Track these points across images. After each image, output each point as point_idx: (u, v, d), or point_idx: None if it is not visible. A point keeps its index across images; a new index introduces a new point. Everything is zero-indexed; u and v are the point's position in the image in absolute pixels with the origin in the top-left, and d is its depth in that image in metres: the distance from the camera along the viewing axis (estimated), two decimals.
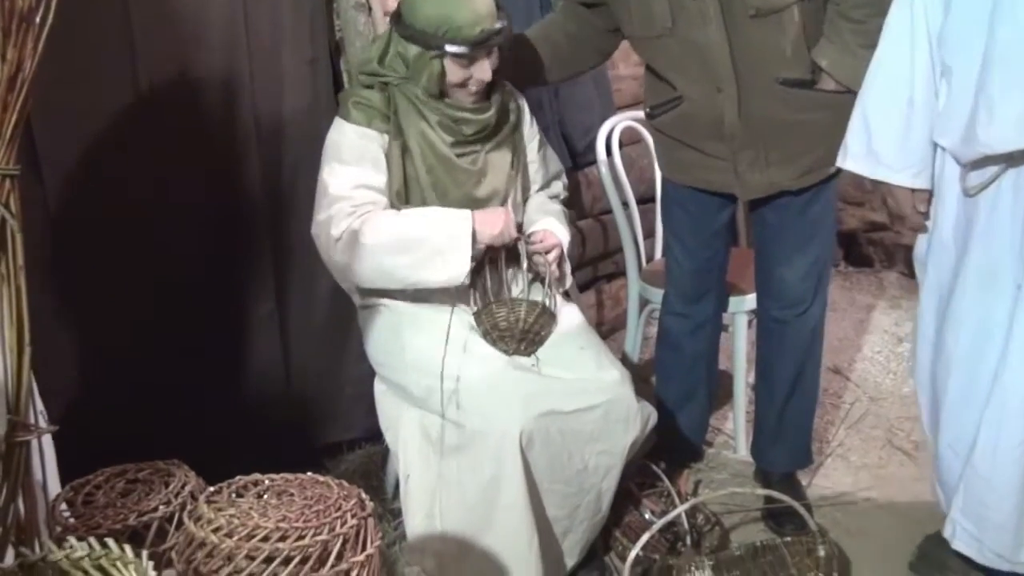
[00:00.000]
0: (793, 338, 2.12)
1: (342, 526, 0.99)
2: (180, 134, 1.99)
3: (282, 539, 0.96)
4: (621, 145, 2.70)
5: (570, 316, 1.93)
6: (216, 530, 0.97)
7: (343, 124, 1.83)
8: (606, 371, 1.81)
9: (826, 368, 2.69)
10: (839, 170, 2.03)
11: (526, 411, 1.64)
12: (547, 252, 1.88)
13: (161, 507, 1.09)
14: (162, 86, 1.95)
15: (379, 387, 1.95)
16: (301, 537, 0.97)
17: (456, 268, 1.76)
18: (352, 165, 1.80)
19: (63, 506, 1.10)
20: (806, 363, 2.16)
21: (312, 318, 2.29)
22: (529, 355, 1.83)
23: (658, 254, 2.76)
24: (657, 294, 2.46)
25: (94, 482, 1.17)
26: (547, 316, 1.85)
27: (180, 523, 1.10)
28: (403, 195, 1.83)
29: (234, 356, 2.20)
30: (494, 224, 1.79)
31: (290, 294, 2.25)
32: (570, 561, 1.83)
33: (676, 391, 2.32)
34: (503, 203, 1.90)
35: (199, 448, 1.65)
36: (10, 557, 0.93)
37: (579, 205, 3.05)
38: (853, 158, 1.79)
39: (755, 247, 2.22)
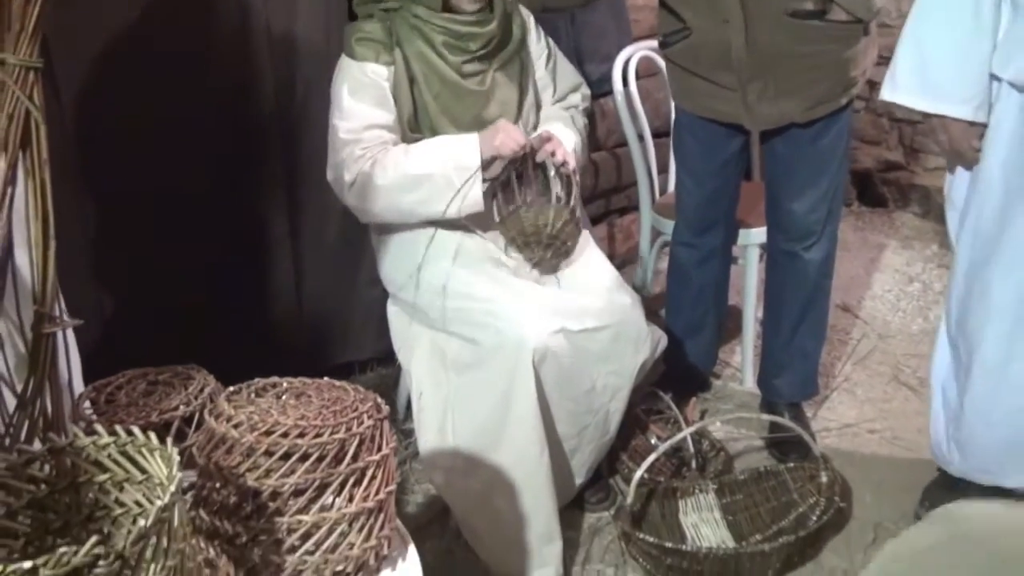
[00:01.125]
0: (802, 271, 2.13)
1: (359, 426, 1.01)
2: (194, 53, 1.98)
3: (300, 436, 0.98)
4: (638, 76, 2.67)
5: (582, 239, 1.93)
6: (236, 426, 0.99)
7: (349, 63, 1.82)
8: (617, 294, 1.82)
9: (835, 306, 2.70)
10: (850, 103, 2.01)
11: (539, 328, 1.66)
12: (548, 144, 1.83)
13: (182, 407, 1.12)
14: (176, 5, 1.94)
15: (392, 308, 1.97)
16: (319, 435, 0.99)
17: (470, 197, 1.76)
18: (360, 106, 1.79)
19: (86, 404, 1.13)
20: (815, 296, 2.17)
21: (324, 240, 2.30)
22: (555, 264, 1.83)
23: (671, 187, 2.76)
24: (669, 225, 2.46)
25: (116, 383, 1.20)
26: (573, 223, 1.83)
27: (200, 423, 1.12)
28: (414, 125, 1.82)
29: (246, 277, 2.22)
30: (493, 137, 1.77)
31: (303, 216, 2.26)
32: (577, 480, 1.87)
33: (684, 321, 2.34)
34: (515, 122, 1.89)
35: (211, 367, 1.68)
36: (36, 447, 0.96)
37: (593, 137, 3.03)
38: (905, 91, 1.69)
39: (765, 179, 2.21)
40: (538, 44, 1.99)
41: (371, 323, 2.32)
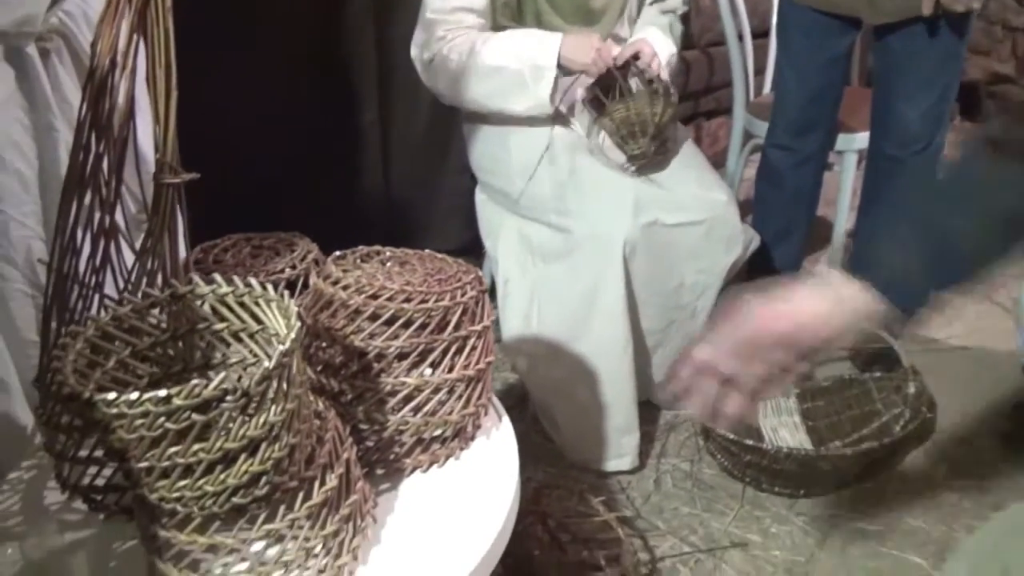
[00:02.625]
0: (905, 176, 2.05)
1: (462, 296, 1.02)
2: None
3: (406, 301, 0.99)
4: None
5: (679, 134, 1.89)
6: (344, 288, 1.00)
7: None
8: (712, 190, 1.79)
9: None
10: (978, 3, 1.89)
11: (632, 219, 1.64)
12: (641, 59, 1.77)
13: (288, 270, 1.14)
14: None
15: (480, 195, 1.96)
16: (424, 301, 1.00)
17: (538, 98, 1.71)
18: None
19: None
20: None
21: (414, 129, 2.29)
22: (656, 160, 1.79)
23: (766, 89, 2.66)
24: (762, 127, 2.38)
25: (222, 245, 1.22)
26: (674, 120, 1.78)
27: (304, 289, 1.14)
28: (513, 7, 1.77)
29: (336, 164, 2.23)
30: (584, 53, 1.71)
31: (393, 104, 2.25)
32: (657, 376, 1.87)
33: (773, 227, 2.28)
34: (620, 14, 1.82)
35: None
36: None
37: (686, 35, 2.92)
38: None
39: (875, 80, 2.11)
40: None
41: (458, 212, 2.33)
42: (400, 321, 0.99)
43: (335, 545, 0.90)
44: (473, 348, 1.04)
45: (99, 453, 0.98)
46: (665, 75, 1.77)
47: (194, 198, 1.05)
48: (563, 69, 1.72)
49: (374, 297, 1.00)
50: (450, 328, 1.01)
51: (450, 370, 1.02)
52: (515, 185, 1.79)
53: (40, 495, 1.06)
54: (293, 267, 1.15)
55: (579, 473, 1.82)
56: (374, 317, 0.99)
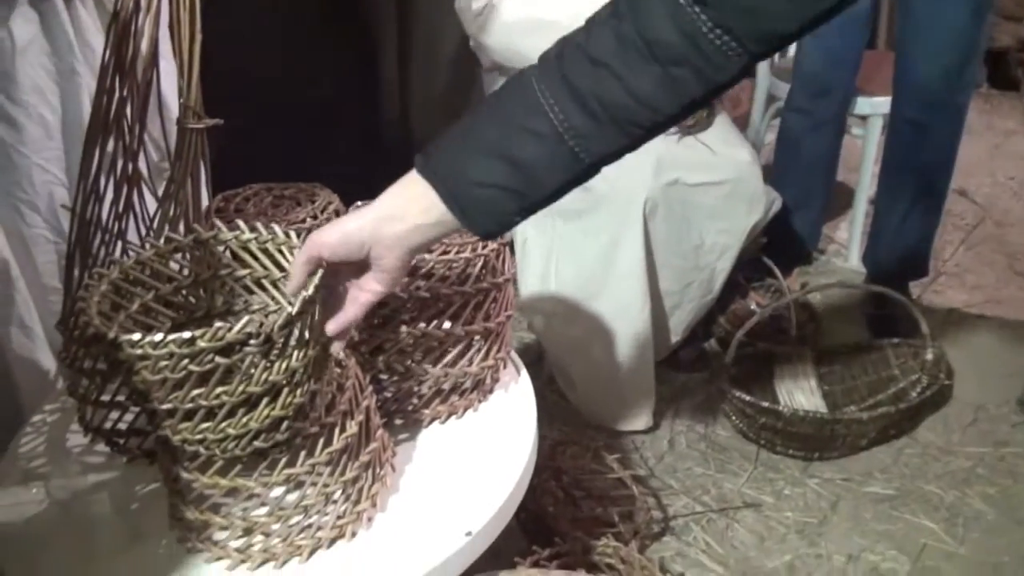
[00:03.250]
0: (927, 141, 2.02)
1: (483, 248, 1.02)
2: None
3: (428, 252, 0.99)
4: None
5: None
6: None
7: None
8: (736, 149, 1.77)
9: (952, 190, 2.58)
10: None
11: (654, 178, 1.62)
12: None
13: (308, 220, 1.14)
14: None
15: None
16: (445, 252, 1.00)
17: None
18: None
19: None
20: (937, 169, 2.07)
21: (433, 84, 2.28)
22: (708, 123, 1.77)
23: (792, 51, 2.62)
24: (785, 89, 2.35)
25: (244, 195, 1.22)
26: None
27: None
28: None
29: (357, 118, 2.22)
30: None
31: (413, 59, 2.23)
32: (674, 337, 1.87)
33: (793, 193, 2.26)
34: None
35: None
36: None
37: None
38: None
39: (897, 40, 2.07)
40: None
41: None
42: (421, 272, 0.99)
43: (354, 491, 0.91)
44: (494, 301, 1.04)
45: (121, 397, 0.99)
46: None
47: (217, 147, 1.05)
48: None
49: None
50: (471, 280, 1.01)
51: (470, 322, 1.02)
52: None
53: (63, 438, 1.08)
54: (314, 217, 1.14)
55: (594, 432, 1.82)
56: None
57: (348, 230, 0.78)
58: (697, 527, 1.61)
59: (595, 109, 0.71)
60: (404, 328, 0.99)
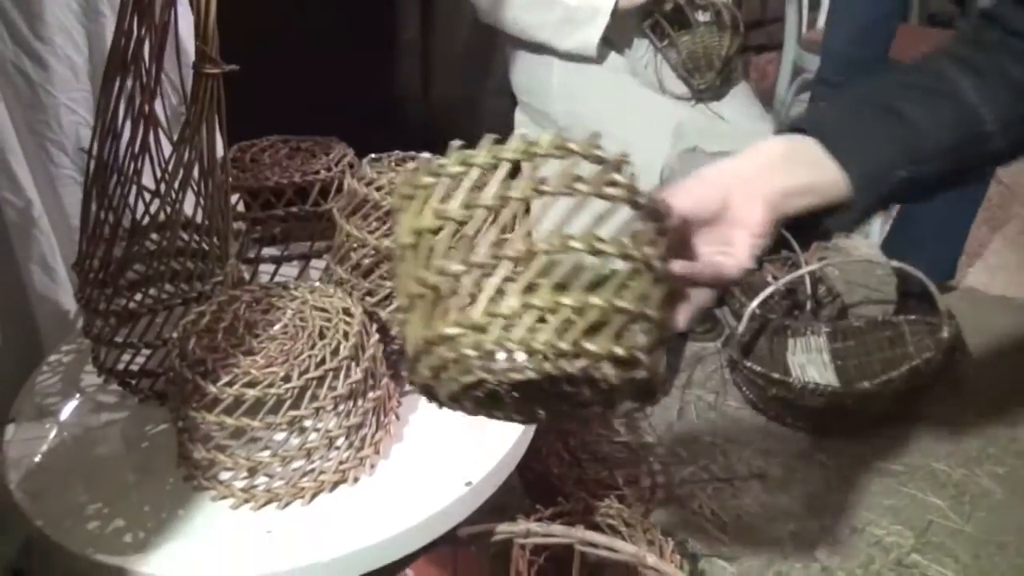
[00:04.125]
0: None
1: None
2: None
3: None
4: None
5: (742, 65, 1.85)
6: (378, 189, 1.01)
7: None
8: (756, 121, 1.75)
9: None
10: None
11: (672, 144, 1.61)
12: None
13: (323, 171, 1.14)
14: None
15: (520, 117, 1.94)
16: None
17: (585, 40, 1.67)
18: None
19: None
20: None
21: (453, 48, 2.27)
22: (722, 92, 1.75)
23: (820, 23, 2.58)
24: (813, 61, 2.32)
25: (260, 146, 1.23)
26: (739, 36, 1.75)
27: (339, 192, 1.15)
28: None
29: (375, 79, 2.22)
30: None
31: (433, 22, 2.23)
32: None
33: None
34: None
35: None
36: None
37: None
38: None
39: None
40: None
41: (497, 135, 2.31)
42: None
43: (357, 438, 0.92)
44: None
45: (135, 339, 1.01)
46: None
47: (234, 98, 1.06)
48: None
49: None
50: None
51: None
52: (555, 106, 1.77)
53: (78, 377, 1.10)
54: (328, 169, 1.15)
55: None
56: None
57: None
58: (702, 494, 1.62)
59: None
60: None
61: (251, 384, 0.84)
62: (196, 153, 0.97)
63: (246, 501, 0.90)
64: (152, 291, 1.02)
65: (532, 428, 1.03)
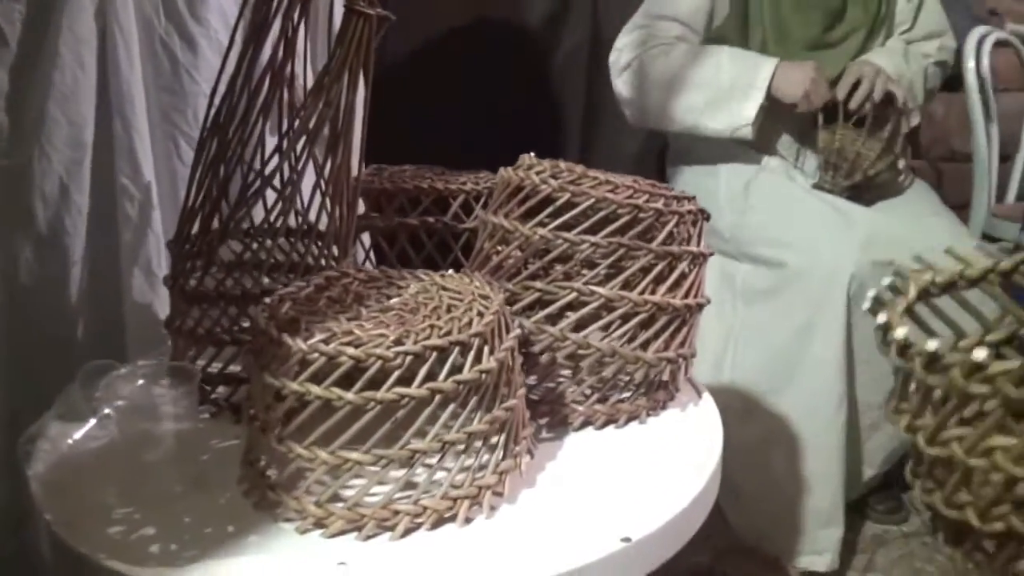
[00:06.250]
0: None
1: (678, 204, 0.82)
2: None
3: (612, 191, 0.80)
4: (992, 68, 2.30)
5: (919, 184, 1.64)
6: (538, 173, 0.82)
7: None
8: (962, 242, 1.50)
9: None
10: None
11: (862, 253, 1.38)
12: (861, 88, 1.53)
13: (470, 184, 0.98)
14: None
15: None
16: (632, 196, 0.80)
17: (740, 118, 1.51)
18: None
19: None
20: None
21: (615, 169, 2.16)
22: (869, 200, 1.54)
23: (1010, 197, 2.34)
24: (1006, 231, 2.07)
25: (403, 166, 1.09)
26: (893, 172, 1.56)
27: (485, 206, 0.97)
28: (736, 29, 1.61)
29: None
30: (797, 84, 1.50)
31: (595, 152, 2.14)
32: (867, 471, 1.53)
33: None
34: (859, 50, 1.63)
35: None
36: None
37: (914, 141, 2.66)
38: None
39: None
40: None
41: None
42: (600, 214, 0.79)
43: (478, 457, 0.68)
44: (683, 275, 0.82)
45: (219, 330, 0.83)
46: (900, 92, 1.53)
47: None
48: (770, 100, 1.51)
49: (573, 184, 0.81)
50: (659, 240, 0.80)
51: (652, 292, 0.80)
52: (724, 219, 1.58)
53: (152, 384, 0.91)
54: (476, 183, 0.99)
55: (755, 565, 1.48)
56: (568, 207, 0.79)
57: None
58: None
59: None
60: (566, 284, 0.79)
61: (350, 344, 0.63)
62: (331, 111, 0.82)
63: (318, 526, 0.66)
64: (247, 279, 0.84)
65: (696, 525, 0.77)
